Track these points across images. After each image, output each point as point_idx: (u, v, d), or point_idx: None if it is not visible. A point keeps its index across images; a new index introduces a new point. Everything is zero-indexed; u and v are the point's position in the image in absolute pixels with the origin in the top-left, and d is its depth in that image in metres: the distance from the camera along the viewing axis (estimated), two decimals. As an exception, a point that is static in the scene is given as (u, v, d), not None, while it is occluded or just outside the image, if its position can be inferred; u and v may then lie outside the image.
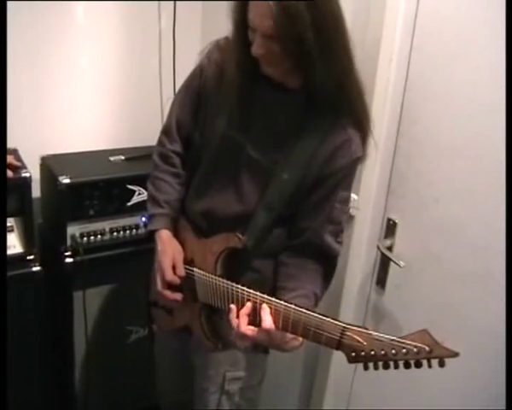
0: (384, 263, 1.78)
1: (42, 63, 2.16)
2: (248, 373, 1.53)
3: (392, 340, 1.03)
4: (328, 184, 1.32)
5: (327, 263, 1.39)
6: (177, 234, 1.50)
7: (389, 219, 1.75)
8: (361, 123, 1.30)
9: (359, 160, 1.33)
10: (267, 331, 1.17)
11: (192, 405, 1.69)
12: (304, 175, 1.30)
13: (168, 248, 1.45)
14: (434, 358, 1.00)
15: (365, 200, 1.78)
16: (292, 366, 2.11)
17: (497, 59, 1.35)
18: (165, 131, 1.55)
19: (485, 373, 1.45)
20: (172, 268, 1.43)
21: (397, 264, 1.67)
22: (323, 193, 1.33)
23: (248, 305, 1.22)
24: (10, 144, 1.95)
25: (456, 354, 0.99)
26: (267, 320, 1.17)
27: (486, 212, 1.45)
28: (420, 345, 1.00)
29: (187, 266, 1.45)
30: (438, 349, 1.00)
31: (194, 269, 1.42)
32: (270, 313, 1.18)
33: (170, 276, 1.42)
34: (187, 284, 1.44)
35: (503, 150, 1.34)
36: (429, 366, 1.01)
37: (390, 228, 1.75)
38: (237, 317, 1.21)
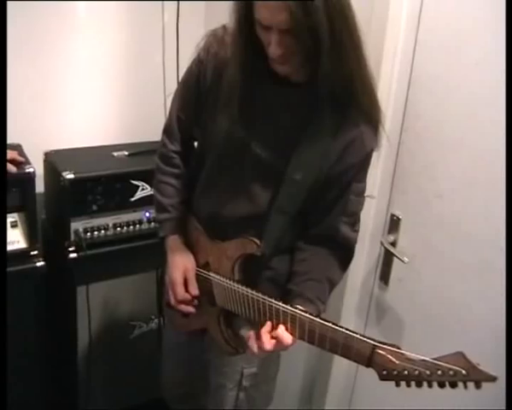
0: (387, 258, 1.78)
1: (46, 59, 2.16)
2: (264, 368, 1.53)
3: (426, 361, 1.02)
4: (343, 181, 1.30)
5: (343, 252, 1.38)
6: (188, 236, 1.49)
7: (393, 215, 1.75)
8: (372, 116, 1.27)
9: (372, 152, 1.31)
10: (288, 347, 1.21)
11: (198, 397, 1.69)
12: (316, 174, 1.28)
13: (179, 261, 1.44)
14: (471, 381, 0.98)
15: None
16: (293, 366, 2.11)
17: (498, 54, 1.34)
18: (166, 131, 1.52)
19: (485, 368, 1.45)
20: (184, 283, 1.42)
21: (400, 260, 1.66)
22: (338, 190, 1.32)
23: (269, 324, 1.22)
24: (14, 140, 1.96)
25: (494, 379, 0.96)
26: (287, 338, 1.19)
27: (488, 207, 1.44)
28: (456, 368, 0.98)
29: (202, 271, 1.43)
30: (475, 373, 0.97)
31: (211, 273, 1.40)
32: (294, 324, 1.19)
33: (181, 295, 1.42)
34: (203, 288, 1.42)
35: (503, 146, 1.33)
36: (465, 387, 0.99)
37: (393, 224, 1.74)
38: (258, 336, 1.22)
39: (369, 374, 1.09)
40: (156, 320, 2.19)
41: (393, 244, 1.74)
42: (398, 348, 1.06)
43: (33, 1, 1.99)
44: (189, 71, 1.42)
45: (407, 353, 1.05)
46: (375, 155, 1.36)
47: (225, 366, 1.52)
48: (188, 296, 1.42)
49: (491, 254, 1.43)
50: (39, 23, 2.08)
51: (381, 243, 1.75)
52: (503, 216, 1.34)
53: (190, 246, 1.48)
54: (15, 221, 1.83)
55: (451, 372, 0.99)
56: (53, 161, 2.02)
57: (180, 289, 1.41)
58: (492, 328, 1.42)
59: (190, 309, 1.43)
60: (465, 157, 1.50)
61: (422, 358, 1.02)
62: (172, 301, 1.44)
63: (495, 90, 1.38)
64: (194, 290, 1.42)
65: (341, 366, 1.98)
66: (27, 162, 1.86)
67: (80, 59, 2.24)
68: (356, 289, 1.90)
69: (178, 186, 1.50)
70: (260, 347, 1.21)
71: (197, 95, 1.40)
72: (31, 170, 1.81)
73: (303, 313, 1.18)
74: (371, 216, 1.79)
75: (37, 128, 2.16)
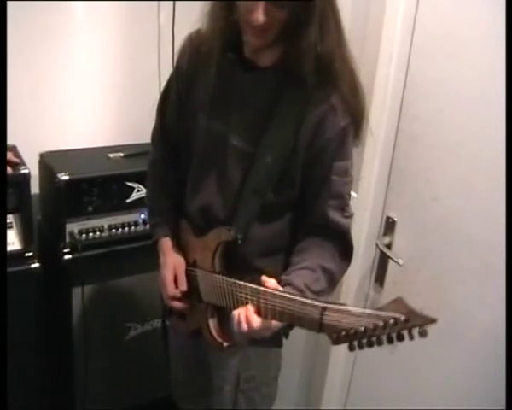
0: (383, 261, 1.78)
1: (41, 60, 2.15)
2: (263, 370, 1.53)
3: (370, 314, 0.99)
4: (322, 160, 1.28)
5: (338, 240, 1.34)
6: (179, 237, 1.51)
7: (388, 218, 1.75)
8: (346, 92, 1.24)
9: (347, 127, 1.27)
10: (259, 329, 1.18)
11: (206, 398, 1.69)
12: (289, 153, 1.27)
13: (169, 261, 1.47)
14: (412, 327, 0.95)
15: (364, 198, 1.78)
16: (290, 367, 2.10)
17: (494, 57, 1.35)
18: (153, 138, 1.58)
19: (484, 371, 1.46)
20: (175, 281, 1.45)
21: (396, 262, 1.67)
22: (319, 170, 1.29)
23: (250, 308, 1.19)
24: (9, 141, 1.94)
25: (433, 321, 0.93)
26: (256, 321, 1.17)
27: (485, 209, 1.45)
28: (396, 315, 0.96)
29: (190, 268, 1.45)
30: (414, 317, 0.95)
31: (196, 269, 1.42)
32: (259, 306, 1.17)
33: (171, 291, 1.44)
34: (193, 286, 1.44)
35: (500, 148, 1.34)
36: (411, 337, 0.95)
37: (389, 226, 1.75)
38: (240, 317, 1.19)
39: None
40: (152, 322, 2.20)
41: (389, 247, 1.74)
42: (345, 305, 1.05)
43: (28, 1, 1.99)
44: (170, 77, 1.49)
45: (351, 308, 1.02)
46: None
47: (223, 369, 1.52)
48: (177, 293, 1.44)
49: (489, 257, 1.44)
50: (34, 25, 2.08)
51: (377, 245, 1.76)
52: (499, 218, 1.34)
53: (181, 247, 1.50)
54: (10, 222, 1.83)
55: (392, 321, 0.96)
56: (48, 162, 2.02)
57: (170, 287, 1.45)
58: (490, 330, 1.42)
59: (182, 305, 1.45)
60: (462, 159, 1.51)
61: (368, 311, 1.00)
62: (165, 299, 1.47)
63: (491, 93, 1.38)
64: (183, 286, 1.44)
65: (337, 366, 1.98)
66: (22, 163, 1.85)
67: (75, 59, 2.24)
68: (351, 292, 1.90)
69: (169, 191, 1.54)
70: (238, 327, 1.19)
71: (177, 99, 1.44)
72: (26, 171, 1.81)
73: (264, 289, 1.16)
74: (367, 218, 1.79)
75: (33, 129, 2.16)
